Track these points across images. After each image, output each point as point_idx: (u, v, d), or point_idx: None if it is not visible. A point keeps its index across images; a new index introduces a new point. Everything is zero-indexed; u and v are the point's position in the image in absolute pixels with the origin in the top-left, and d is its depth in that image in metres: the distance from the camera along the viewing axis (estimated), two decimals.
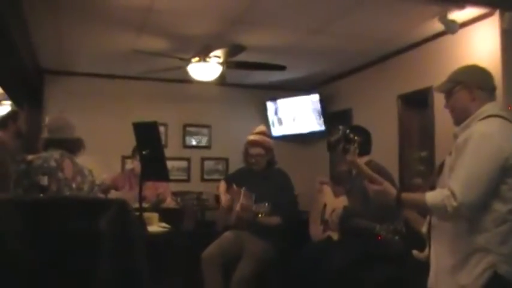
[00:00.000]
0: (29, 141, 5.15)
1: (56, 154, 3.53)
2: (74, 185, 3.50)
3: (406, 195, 2.65)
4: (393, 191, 2.68)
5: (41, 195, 3.34)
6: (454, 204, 2.34)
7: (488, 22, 4.61)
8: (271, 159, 4.92)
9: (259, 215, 4.45)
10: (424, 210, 2.59)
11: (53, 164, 3.47)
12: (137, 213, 3.60)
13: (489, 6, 4.51)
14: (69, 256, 2.41)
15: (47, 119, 3.87)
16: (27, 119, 6.22)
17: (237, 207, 4.63)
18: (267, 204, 4.40)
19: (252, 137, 4.93)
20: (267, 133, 5.05)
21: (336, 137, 3.16)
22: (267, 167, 4.91)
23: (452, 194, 2.35)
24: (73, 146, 3.67)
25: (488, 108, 2.61)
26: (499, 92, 4.27)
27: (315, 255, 4.32)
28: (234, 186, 4.88)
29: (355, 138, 3.04)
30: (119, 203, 2.43)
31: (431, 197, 2.47)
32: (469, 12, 4.59)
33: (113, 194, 5.24)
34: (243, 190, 4.68)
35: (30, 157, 3.55)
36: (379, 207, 3.57)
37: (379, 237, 3.75)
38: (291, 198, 4.91)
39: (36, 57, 6.44)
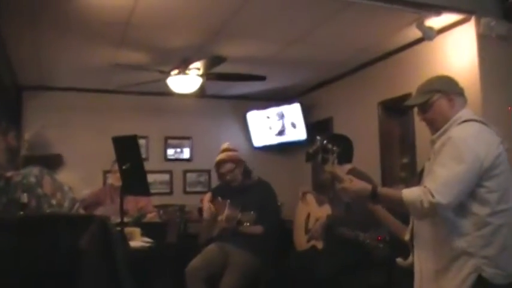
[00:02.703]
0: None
1: (35, 170, 3.48)
2: (54, 202, 3.46)
3: (382, 190, 2.66)
4: (368, 186, 2.68)
5: (21, 212, 3.29)
6: (432, 200, 2.34)
7: (465, 28, 4.66)
8: (245, 170, 4.94)
9: (245, 224, 4.44)
10: (400, 206, 2.58)
11: (32, 180, 3.43)
12: (119, 229, 3.57)
13: (465, 12, 4.56)
14: (50, 276, 2.37)
15: (26, 136, 3.83)
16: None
17: (222, 217, 4.63)
18: (252, 212, 4.40)
19: (218, 158, 4.97)
20: (231, 147, 5.07)
21: (313, 148, 3.15)
22: (246, 179, 4.92)
23: (429, 191, 2.36)
24: (52, 163, 3.63)
25: (464, 113, 2.65)
26: (477, 95, 4.36)
27: (300, 265, 4.31)
28: (219, 198, 4.88)
29: (333, 148, 3.04)
30: (100, 219, 2.40)
31: (408, 193, 2.47)
32: (446, 18, 4.63)
33: (94, 210, 5.20)
34: (228, 202, 4.69)
35: (9, 174, 3.50)
36: (362, 214, 3.57)
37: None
38: (274, 207, 4.92)
39: (14, 74, 6.38)
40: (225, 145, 5.10)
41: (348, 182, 2.77)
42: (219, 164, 4.93)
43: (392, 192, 2.65)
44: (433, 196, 2.35)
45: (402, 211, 2.62)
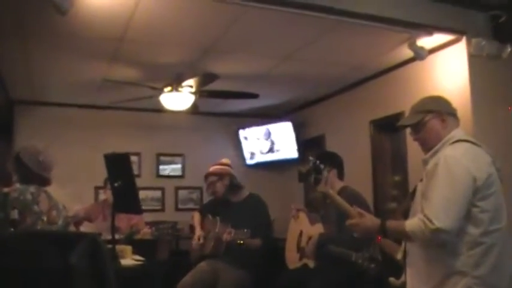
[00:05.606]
0: None
1: (31, 187, 3.46)
2: (45, 218, 3.43)
3: (390, 224, 2.63)
4: (377, 221, 2.67)
5: (12, 229, 3.26)
6: (432, 227, 2.34)
7: (456, 48, 4.70)
8: (234, 185, 4.94)
9: (239, 242, 4.43)
10: (406, 237, 2.58)
11: (28, 197, 3.40)
12: (110, 246, 3.55)
13: (456, 32, 4.61)
14: None
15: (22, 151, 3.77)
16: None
17: (214, 235, 4.62)
18: (246, 230, 4.39)
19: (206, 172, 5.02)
20: (223, 162, 5.11)
21: (306, 168, 3.15)
22: (235, 194, 4.91)
23: (428, 219, 2.36)
24: (44, 180, 3.60)
25: (456, 133, 2.66)
26: (468, 114, 4.38)
27: (292, 283, 4.29)
28: (210, 216, 4.87)
29: (326, 168, 3.04)
30: (90, 236, 2.39)
31: (410, 224, 2.47)
32: (437, 38, 4.67)
33: (87, 226, 5.16)
34: (218, 219, 4.68)
35: (6, 190, 3.47)
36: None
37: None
38: (266, 219, 4.92)
39: (6, 89, 6.36)
40: (219, 161, 5.13)
41: (358, 216, 2.74)
42: (206, 176, 5.00)
43: (398, 225, 2.61)
44: (432, 223, 2.34)
45: (405, 241, 2.60)
